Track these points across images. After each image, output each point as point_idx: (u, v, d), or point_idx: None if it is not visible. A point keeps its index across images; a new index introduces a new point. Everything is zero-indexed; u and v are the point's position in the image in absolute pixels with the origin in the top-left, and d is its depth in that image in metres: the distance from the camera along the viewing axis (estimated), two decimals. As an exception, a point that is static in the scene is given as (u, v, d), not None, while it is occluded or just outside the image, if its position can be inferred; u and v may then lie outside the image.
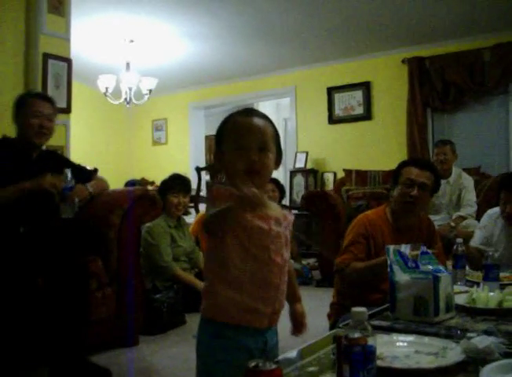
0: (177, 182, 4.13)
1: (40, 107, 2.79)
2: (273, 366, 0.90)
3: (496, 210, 3.18)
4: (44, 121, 2.79)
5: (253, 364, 0.90)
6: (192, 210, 6.22)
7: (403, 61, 6.32)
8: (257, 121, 1.47)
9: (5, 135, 2.89)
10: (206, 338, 1.45)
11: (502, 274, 2.33)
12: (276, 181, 4.58)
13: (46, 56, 3.86)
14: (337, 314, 2.56)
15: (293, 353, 1.44)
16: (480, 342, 1.35)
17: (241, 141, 1.43)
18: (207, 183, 7.34)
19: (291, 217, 1.57)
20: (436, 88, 6.08)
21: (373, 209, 2.80)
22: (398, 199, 2.53)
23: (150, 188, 6.12)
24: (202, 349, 1.46)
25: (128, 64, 6.36)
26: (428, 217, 2.81)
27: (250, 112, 1.51)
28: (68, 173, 2.70)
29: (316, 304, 3.90)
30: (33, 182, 2.61)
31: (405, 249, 1.86)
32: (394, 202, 2.56)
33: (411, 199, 2.47)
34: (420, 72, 6.17)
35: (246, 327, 1.42)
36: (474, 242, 3.24)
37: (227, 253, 1.41)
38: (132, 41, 6.24)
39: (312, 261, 5.48)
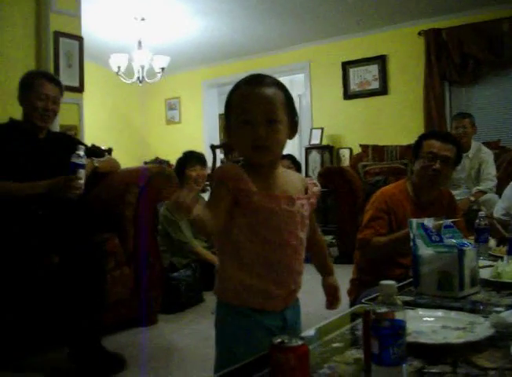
0: (192, 156, 4.14)
1: (45, 89, 2.74)
2: (299, 342, 0.86)
3: None
4: (49, 104, 2.75)
5: (278, 340, 0.87)
6: (209, 188, 6.19)
7: (419, 34, 6.18)
8: (265, 90, 1.36)
9: (12, 118, 2.85)
10: (224, 316, 1.43)
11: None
12: (292, 158, 4.54)
13: (57, 35, 3.83)
14: (357, 290, 2.52)
15: (316, 330, 1.41)
16: (510, 316, 1.32)
17: (247, 115, 1.33)
18: (222, 161, 7.32)
19: (316, 189, 1.50)
20: (453, 61, 5.94)
21: (392, 183, 2.75)
22: (420, 173, 2.47)
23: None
24: (221, 326, 1.44)
25: (140, 43, 6.29)
26: (449, 192, 2.75)
27: (257, 80, 1.39)
28: (81, 150, 2.64)
29: (335, 280, 3.88)
30: (47, 187, 2.56)
31: (428, 222, 1.81)
32: (416, 175, 2.51)
33: (434, 173, 2.41)
34: (437, 45, 6.03)
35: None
36: (496, 213, 3.18)
37: (237, 235, 1.36)
38: (143, 19, 6.17)
39: (329, 237, 5.44)
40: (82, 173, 2.60)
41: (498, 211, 3.20)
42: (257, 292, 1.37)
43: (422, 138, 2.55)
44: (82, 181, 2.60)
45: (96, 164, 2.88)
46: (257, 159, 1.37)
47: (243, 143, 1.35)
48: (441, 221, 1.86)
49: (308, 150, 6.88)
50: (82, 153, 2.64)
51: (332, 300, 1.58)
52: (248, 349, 1.24)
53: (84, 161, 2.64)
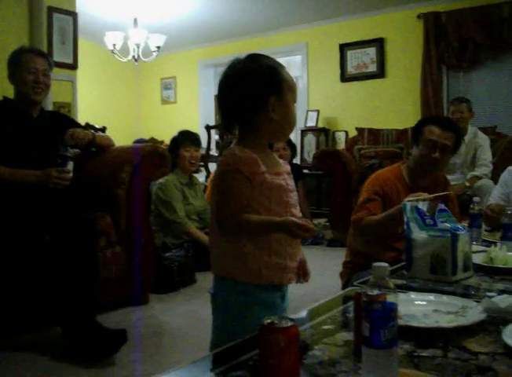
0: (187, 136, 4.12)
1: (34, 62, 2.73)
2: (289, 323, 0.86)
3: None
4: (39, 76, 2.74)
5: (268, 320, 0.86)
6: (203, 169, 6.18)
7: (418, 16, 6.13)
8: None
9: (6, 96, 2.84)
10: (224, 294, 1.45)
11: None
12: (287, 140, 4.52)
13: (51, 10, 3.77)
14: (350, 273, 2.52)
15: (307, 312, 1.41)
16: (502, 301, 1.32)
17: (295, 97, 1.49)
18: (217, 142, 7.28)
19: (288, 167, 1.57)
20: (452, 44, 5.89)
21: (387, 167, 2.73)
22: (419, 160, 2.44)
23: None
24: (220, 305, 1.46)
25: (136, 20, 6.21)
26: (444, 177, 2.73)
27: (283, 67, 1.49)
28: (68, 142, 2.71)
29: (328, 263, 3.90)
30: (38, 177, 2.57)
31: (423, 206, 1.80)
32: (413, 161, 2.48)
33: (432, 162, 2.39)
34: (436, 28, 5.97)
35: (266, 284, 1.42)
36: (493, 198, 3.18)
37: (252, 215, 1.39)
38: (139, -4, 6.09)
39: (323, 220, 5.45)
40: (70, 165, 2.67)
41: (495, 197, 3.20)
42: (276, 268, 1.42)
43: (422, 123, 2.50)
44: (70, 174, 2.66)
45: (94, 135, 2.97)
46: (286, 137, 1.65)
47: (292, 120, 1.48)
48: (436, 205, 1.85)
49: (303, 132, 6.85)
50: (68, 143, 2.72)
51: (303, 274, 1.59)
52: (246, 327, 1.24)
53: (71, 153, 2.74)
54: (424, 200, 1.94)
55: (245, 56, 1.47)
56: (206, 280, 3.52)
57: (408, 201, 1.89)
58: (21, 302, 2.52)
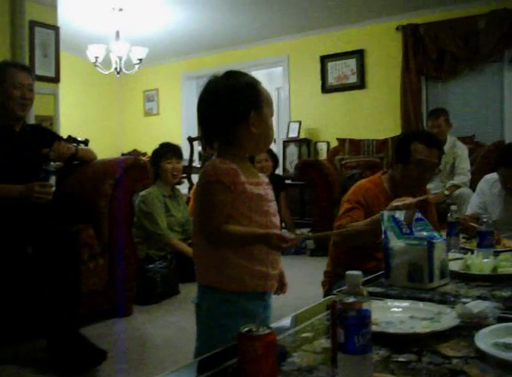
0: (168, 149, 4.12)
1: (19, 78, 2.73)
2: (266, 331, 0.88)
3: (493, 175, 3.17)
4: (26, 92, 2.74)
5: (246, 328, 0.89)
6: (185, 180, 6.20)
7: (397, 28, 6.24)
8: None
9: None
10: (208, 303, 1.48)
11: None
12: (269, 151, 4.56)
13: (33, 24, 3.78)
14: (331, 282, 2.55)
15: (287, 320, 1.43)
16: (475, 306, 1.35)
17: (272, 111, 1.54)
18: (200, 154, 7.30)
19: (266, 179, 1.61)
20: (430, 56, 6.01)
21: (369, 177, 2.76)
22: (407, 178, 2.45)
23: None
24: (204, 314, 1.49)
25: (118, 33, 6.23)
26: (424, 187, 2.75)
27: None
28: (51, 156, 2.73)
29: (310, 273, 3.93)
30: (22, 192, 2.57)
31: (400, 215, 1.84)
32: (401, 178, 2.47)
33: (422, 182, 2.44)
34: (414, 40, 6.09)
35: (249, 292, 1.46)
36: (471, 207, 3.23)
37: (233, 225, 1.43)
38: (121, 9, 6.10)
39: (305, 230, 5.48)
40: (53, 179, 2.68)
41: (472, 205, 3.26)
42: (259, 275, 1.46)
43: (407, 140, 2.50)
44: (53, 188, 2.66)
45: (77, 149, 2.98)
46: (265, 150, 1.71)
47: (271, 133, 1.54)
48: (413, 214, 1.89)
49: (285, 143, 6.90)
50: (51, 157, 2.72)
51: (282, 286, 1.63)
52: (229, 336, 1.26)
53: (53, 167, 2.73)
54: (409, 204, 2.04)
55: (223, 74, 1.53)
56: (189, 291, 3.53)
57: (387, 210, 1.93)
58: (5, 315, 2.51)
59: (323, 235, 2.79)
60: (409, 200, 2.14)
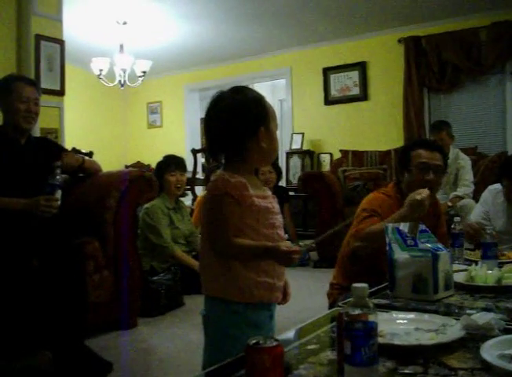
0: (172, 161, 4.13)
1: (26, 92, 2.74)
2: (274, 343, 0.89)
3: (497, 186, 3.17)
4: (31, 106, 2.75)
5: (253, 341, 0.89)
6: (189, 192, 6.20)
7: (399, 41, 6.28)
8: None
9: None
10: (216, 314, 1.50)
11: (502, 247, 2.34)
12: (273, 163, 4.57)
13: (39, 38, 3.82)
14: (337, 294, 2.53)
15: (292, 332, 1.44)
16: (480, 318, 1.35)
17: (277, 124, 1.58)
18: (203, 166, 7.32)
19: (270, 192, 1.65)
20: (432, 68, 6.04)
21: (382, 188, 2.71)
22: (413, 185, 2.41)
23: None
24: (212, 325, 1.51)
25: (122, 46, 6.28)
26: (436, 200, 2.73)
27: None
28: (58, 170, 2.69)
29: (315, 284, 3.94)
30: (26, 205, 2.58)
31: (404, 227, 1.85)
32: (408, 186, 2.45)
33: (428, 184, 2.38)
34: (416, 52, 6.12)
35: (256, 303, 1.48)
36: (474, 216, 3.23)
37: (241, 238, 1.45)
38: (125, 23, 6.16)
39: (309, 242, 5.47)
40: (59, 193, 2.67)
41: (475, 215, 3.26)
42: (266, 287, 1.49)
43: (408, 149, 2.52)
44: (59, 202, 2.66)
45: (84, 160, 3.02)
46: (271, 162, 1.72)
47: (277, 146, 1.58)
48: (417, 226, 1.90)
49: (289, 155, 6.92)
50: (58, 171, 2.69)
51: (285, 296, 1.63)
52: (237, 346, 1.27)
53: (61, 180, 2.71)
54: (427, 196, 2.18)
55: (229, 90, 1.55)
56: (194, 303, 3.53)
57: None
58: (10, 328, 2.51)
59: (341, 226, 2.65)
60: (425, 192, 2.20)
